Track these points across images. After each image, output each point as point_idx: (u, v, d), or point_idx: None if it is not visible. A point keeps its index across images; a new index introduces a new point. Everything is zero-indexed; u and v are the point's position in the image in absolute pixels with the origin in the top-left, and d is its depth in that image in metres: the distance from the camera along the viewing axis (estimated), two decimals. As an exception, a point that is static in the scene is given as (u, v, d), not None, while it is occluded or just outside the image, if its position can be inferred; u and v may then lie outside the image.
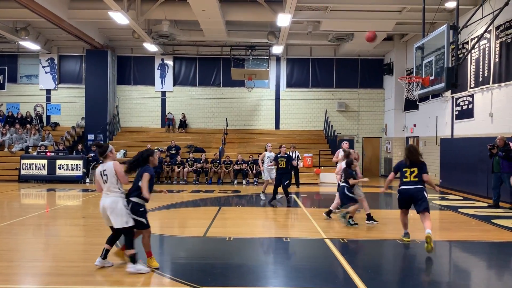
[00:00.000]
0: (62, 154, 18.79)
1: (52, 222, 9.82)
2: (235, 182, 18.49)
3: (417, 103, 20.05)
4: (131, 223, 5.77)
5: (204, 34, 19.97)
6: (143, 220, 5.89)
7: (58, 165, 18.19)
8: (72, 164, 18.25)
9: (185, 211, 11.49)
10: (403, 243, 7.63)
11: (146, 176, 5.88)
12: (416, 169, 7.44)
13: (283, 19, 16.00)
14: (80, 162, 18.32)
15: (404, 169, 7.46)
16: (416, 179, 7.39)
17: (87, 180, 18.41)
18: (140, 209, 5.91)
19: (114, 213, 5.73)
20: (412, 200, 7.43)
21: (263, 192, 13.34)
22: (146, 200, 5.96)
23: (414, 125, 20.93)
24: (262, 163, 13.63)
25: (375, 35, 11.09)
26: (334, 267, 6.16)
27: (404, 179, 7.44)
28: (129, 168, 6.10)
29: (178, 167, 18.68)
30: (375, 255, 7.32)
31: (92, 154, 19.53)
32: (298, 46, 23.35)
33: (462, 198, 14.12)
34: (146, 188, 5.87)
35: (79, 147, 20.14)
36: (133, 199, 5.92)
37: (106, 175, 5.88)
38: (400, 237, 7.83)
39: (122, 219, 5.72)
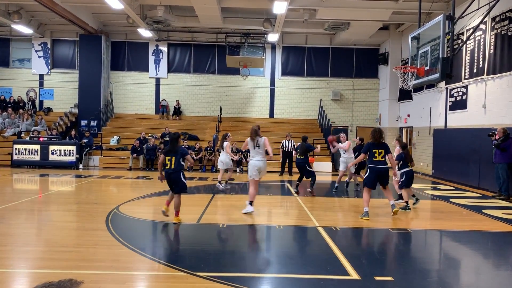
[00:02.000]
0: (55, 139, 18.69)
1: (45, 207, 9.80)
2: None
3: (412, 93, 20.10)
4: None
5: (199, 21, 19.81)
6: None
7: (51, 150, 18.11)
8: (65, 150, 18.16)
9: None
10: (363, 220, 8.44)
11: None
12: (383, 151, 8.56)
13: (279, 7, 15.89)
14: (73, 148, 18.24)
15: (374, 150, 8.55)
16: (383, 159, 8.58)
17: (80, 166, 18.35)
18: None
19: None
20: (380, 178, 8.63)
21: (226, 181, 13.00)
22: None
23: (408, 115, 21.00)
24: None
25: (333, 138, 12.05)
26: (326, 254, 6.21)
27: (374, 159, 8.56)
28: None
29: (172, 154, 18.64)
30: (367, 243, 7.40)
31: (85, 140, 19.45)
32: (293, 34, 23.23)
33: (454, 188, 14.25)
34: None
35: (73, 132, 20.02)
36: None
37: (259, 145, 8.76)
38: (390, 226, 7.91)
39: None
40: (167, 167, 7.85)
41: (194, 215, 8.81)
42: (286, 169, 17.90)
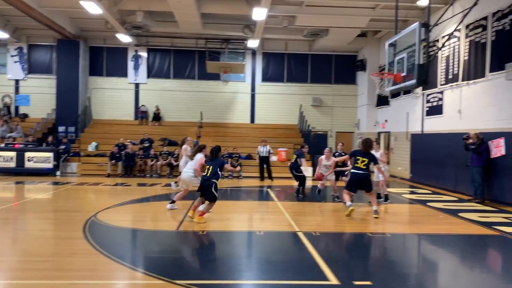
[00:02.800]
0: (31, 146, 18.32)
1: (20, 215, 9.57)
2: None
3: (389, 99, 20.42)
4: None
5: (179, 26, 19.75)
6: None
7: (27, 157, 17.73)
8: (42, 157, 17.81)
9: (158, 205, 11.40)
10: (348, 214, 9.07)
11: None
12: (367, 160, 9.13)
13: (259, 13, 15.98)
14: (50, 154, 17.90)
15: (358, 157, 9.17)
16: (365, 167, 9.12)
17: (58, 173, 18.01)
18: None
19: None
20: (360, 184, 9.26)
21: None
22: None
23: (386, 121, 21.32)
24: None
25: (321, 174, 11.61)
26: (306, 260, 6.24)
27: (356, 165, 9.17)
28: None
29: (152, 160, 18.49)
30: (346, 248, 7.47)
31: (63, 146, 19.12)
32: (273, 40, 23.36)
33: (431, 192, 14.49)
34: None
35: (49, 139, 19.65)
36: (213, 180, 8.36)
37: None
38: (369, 230, 7.98)
39: None
40: (203, 174, 8.53)
41: (173, 222, 8.74)
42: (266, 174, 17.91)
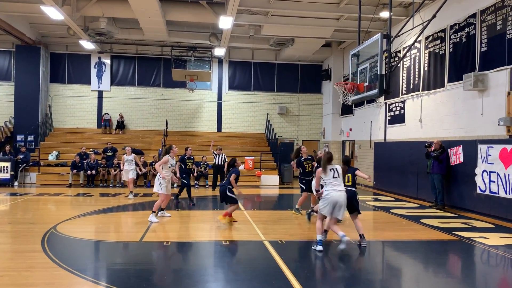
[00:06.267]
0: (-13, 155, 17.54)
1: (-27, 229, 9.10)
2: (175, 185, 18.17)
3: (353, 108, 20.84)
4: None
5: (144, 33, 19.50)
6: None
7: (-17, 167, 16.96)
8: (-2, 167, 17.07)
9: (121, 215, 11.11)
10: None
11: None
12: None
13: (225, 22, 16.00)
14: (8, 164, 17.21)
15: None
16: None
17: (16, 183, 17.31)
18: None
19: None
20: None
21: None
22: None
23: (350, 129, 21.72)
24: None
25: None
26: (272, 268, 6.21)
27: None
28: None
29: (115, 170, 18.05)
30: (311, 256, 7.48)
31: (21, 156, 18.41)
32: (240, 49, 23.45)
33: (394, 199, 14.82)
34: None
35: (7, 148, 18.88)
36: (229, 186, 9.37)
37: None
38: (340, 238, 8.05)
39: None
40: (220, 182, 9.94)
41: (137, 233, 8.54)
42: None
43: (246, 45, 22.10)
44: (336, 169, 7.37)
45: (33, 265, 6.16)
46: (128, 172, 14.46)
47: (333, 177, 7.28)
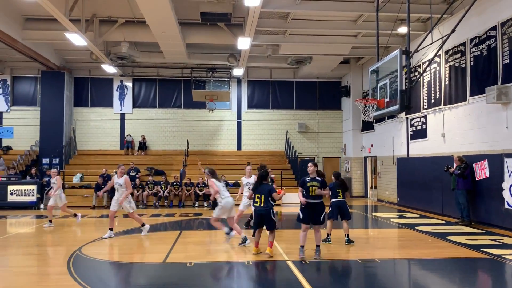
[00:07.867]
0: (14, 179, 17.98)
1: (2, 252, 9.29)
2: (197, 205, 18.26)
3: (374, 124, 20.67)
4: None
5: (164, 56, 19.90)
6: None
7: (10, 190, 17.39)
8: (25, 190, 17.48)
9: (144, 237, 11.19)
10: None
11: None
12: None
13: (243, 43, 16.22)
14: (34, 187, 17.59)
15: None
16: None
17: (41, 206, 17.65)
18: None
19: None
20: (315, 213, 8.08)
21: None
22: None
23: (372, 145, 21.51)
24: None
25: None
26: (296, 289, 6.14)
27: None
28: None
29: (138, 191, 18.25)
30: (336, 276, 7.37)
31: (46, 179, 18.78)
32: (258, 68, 23.67)
33: (419, 216, 14.52)
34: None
35: (33, 171, 19.33)
36: None
37: None
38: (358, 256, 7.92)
39: None
40: (256, 204, 8.21)
41: (160, 254, 8.57)
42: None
43: (264, 64, 22.30)
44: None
45: (59, 288, 6.24)
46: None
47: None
